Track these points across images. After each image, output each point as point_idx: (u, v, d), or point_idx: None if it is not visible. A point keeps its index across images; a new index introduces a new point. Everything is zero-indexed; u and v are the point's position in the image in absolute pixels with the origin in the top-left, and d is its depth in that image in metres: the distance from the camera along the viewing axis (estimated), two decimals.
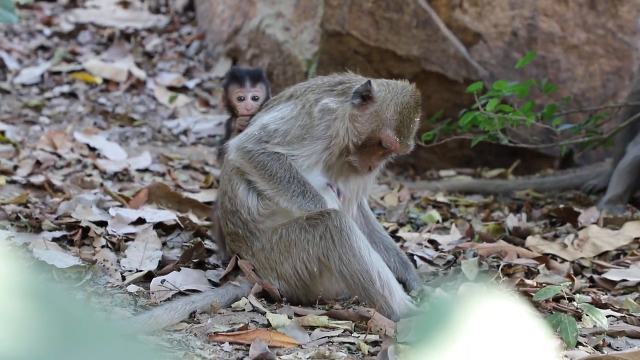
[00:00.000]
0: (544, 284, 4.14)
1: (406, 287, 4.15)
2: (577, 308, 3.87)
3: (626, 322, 3.89)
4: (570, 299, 3.99)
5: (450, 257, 4.75)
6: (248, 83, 4.40)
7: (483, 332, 1.12)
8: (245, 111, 4.36)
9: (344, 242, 3.79)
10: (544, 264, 4.55)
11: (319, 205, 3.89)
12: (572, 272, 4.48)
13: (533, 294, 3.96)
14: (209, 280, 4.20)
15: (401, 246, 4.74)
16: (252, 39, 7.79)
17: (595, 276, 4.46)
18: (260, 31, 7.68)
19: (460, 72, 6.88)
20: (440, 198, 5.94)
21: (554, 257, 4.72)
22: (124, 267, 4.29)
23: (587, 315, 3.76)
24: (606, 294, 4.29)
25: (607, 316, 3.87)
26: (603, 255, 4.75)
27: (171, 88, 7.97)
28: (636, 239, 4.88)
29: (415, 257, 4.68)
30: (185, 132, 7.21)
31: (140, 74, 8.06)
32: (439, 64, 6.88)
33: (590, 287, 4.38)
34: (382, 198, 5.86)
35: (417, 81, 7.18)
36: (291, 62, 7.35)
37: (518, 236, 5.01)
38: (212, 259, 4.45)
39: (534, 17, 6.92)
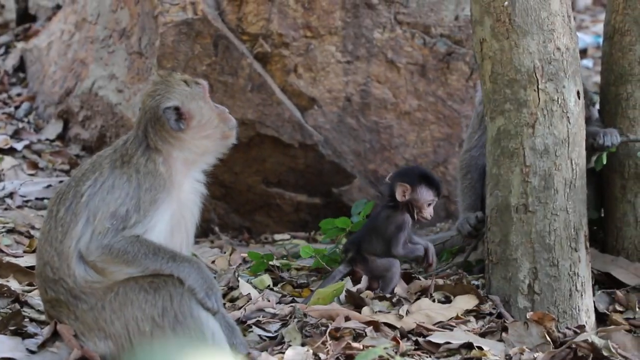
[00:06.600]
0: (369, 347, 4.14)
1: (233, 351, 4.12)
2: None
3: None
4: None
5: (280, 322, 4.70)
6: (438, 193, 4.96)
7: None
8: (429, 217, 4.96)
9: (183, 303, 3.82)
10: (371, 327, 4.54)
11: (192, 262, 3.90)
12: (398, 335, 4.50)
13: None
14: (27, 349, 4.04)
15: (231, 308, 4.70)
16: (84, 101, 7.64)
17: (420, 339, 4.49)
18: (92, 93, 7.55)
19: (295, 136, 6.92)
20: (273, 261, 5.89)
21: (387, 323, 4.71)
22: None
23: None
24: (430, 357, 4.33)
25: None
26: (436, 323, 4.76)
27: None
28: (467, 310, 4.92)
29: (248, 322, 4.63)
30: (10, 195, 6.97)
31: None
32: (274, 127, 6.91)
33: (415, 349, 4.41)
34: (213, 262, 5.79)
35: (253, 144, 7.25)
36: (124, 124, 7.23)
37: (354, 304, 4.93)
38: (31, 327, 4.28)
39: (367, 84, 7.03)
